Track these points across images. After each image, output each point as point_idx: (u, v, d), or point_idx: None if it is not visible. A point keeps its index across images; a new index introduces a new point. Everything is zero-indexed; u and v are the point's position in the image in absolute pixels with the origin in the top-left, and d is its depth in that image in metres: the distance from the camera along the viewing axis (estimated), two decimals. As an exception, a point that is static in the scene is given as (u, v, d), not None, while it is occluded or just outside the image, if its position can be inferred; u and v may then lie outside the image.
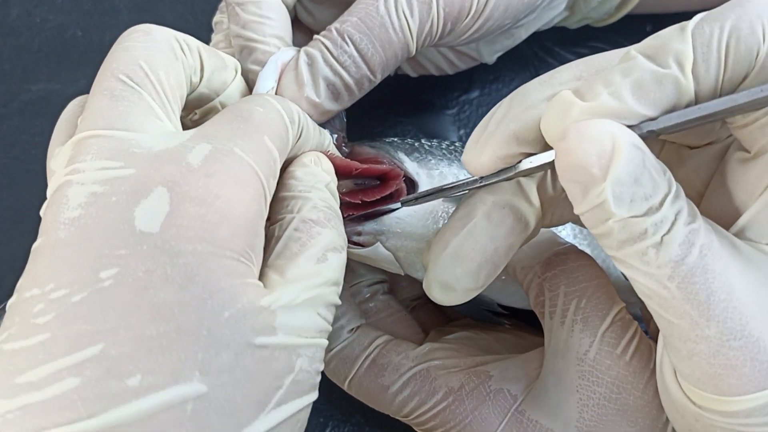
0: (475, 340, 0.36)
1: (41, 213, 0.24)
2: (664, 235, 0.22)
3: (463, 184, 0.28)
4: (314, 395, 0.25)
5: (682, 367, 0.24)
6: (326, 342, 0.25)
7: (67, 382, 0.20)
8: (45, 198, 0.51)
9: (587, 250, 0.33)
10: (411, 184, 0.35)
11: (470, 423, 0.31)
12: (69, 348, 0.20)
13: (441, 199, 0.34)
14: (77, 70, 0.51)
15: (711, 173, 0.28)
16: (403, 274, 0.35)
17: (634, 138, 0.22)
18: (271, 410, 0.22)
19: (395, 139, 0.37)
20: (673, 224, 0.22)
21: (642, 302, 0.25)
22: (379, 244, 0.34)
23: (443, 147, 0.38)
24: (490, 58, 0.44)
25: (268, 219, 0.27)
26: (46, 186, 0.50)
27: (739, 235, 0.24)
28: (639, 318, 0.31)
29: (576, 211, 0.24)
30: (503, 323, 0.38)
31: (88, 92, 0.52)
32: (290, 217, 0.27)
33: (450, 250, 0.28)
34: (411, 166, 0.35)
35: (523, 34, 0.42)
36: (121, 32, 0.28)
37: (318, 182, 0.28)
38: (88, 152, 0.24)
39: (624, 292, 0.32)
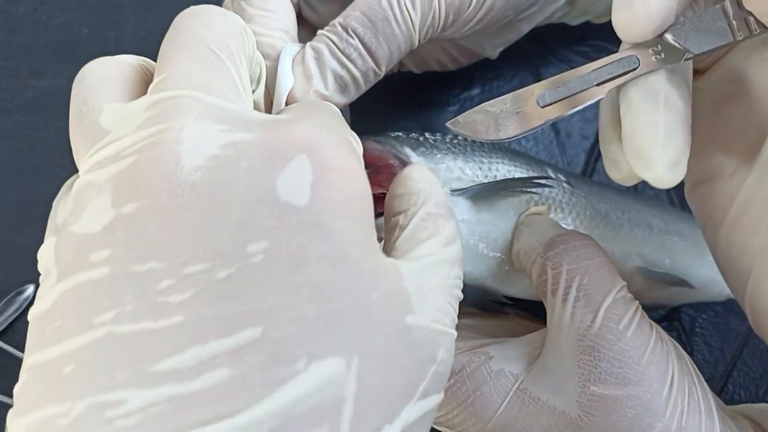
0: (476, 327, 0.36)
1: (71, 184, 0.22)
2: None
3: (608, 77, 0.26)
4: (443, 394, 0.23)
5: None
6: (456, 334, 0.24)
7: (224, 369, 0.18)
8: (50, 192, 0.51)
9: None
10: None
11: (472, 403, 0.31)
12: (221, 330, 0.18)
13: (448, 195, 0.35)
14: (82, 66, 0.52)
15: None
16: None
17: None
18: (417, 401, 0.21)
19: (400, 134, 0.38)
20: None
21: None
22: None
23: (447, 141, 0.38)
24: (493, 52, 0.44)
25: (383, 214, 0.27)
26: (51, 180, 0.50)
27: None
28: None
29: None
30: (507, 312, 0.39)
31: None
32: (414, 209, 0.26)
33: (661, 132, 0.25)
34: (417, 161, 0.36)
35: (525, 27, 0.42)
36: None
37: (435, 185, 0.28)
38: (188, 112, 0.21)
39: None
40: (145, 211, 0.20)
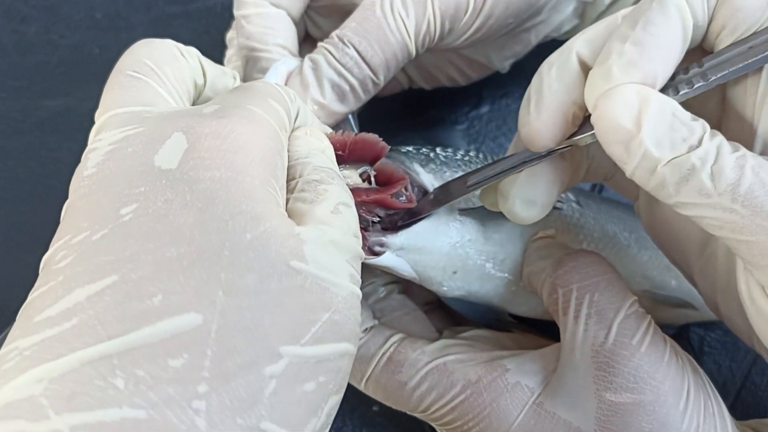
0: (490, 338, 0.36)
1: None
2: (713, 165, 0.24)
3: (522, 162, 0.30)
4: (354, 348, 0.24)
5: None
6: (360, 293, 0.24)
7: (86, 311, 0.20)
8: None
9: None
10: (425, 195, 0.35)
11: (488, 415, 0.31)
12: (88, 279, 0.21)
13: (456, 215, 0.35)
14: (94, 86, 0.51)
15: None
16: (418, 281, 0.36)
17: (660, 95, 0.25)
18: (307, 344, 0.22)
19: (410, 149, 0.37)
20: (717, 155, 0.24)
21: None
22: (388, 253, 0.34)
23: (458, 158, 0.38)
24: (502, 65, 0.44)
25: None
26: (63, 200, 0.50)
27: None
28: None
29: (627, 175, 0.25)
30: (512, 331, 0.39)
31: (104, 108, 0.52)
32: (294, 182, 0.27)
33: (527, 171, 0.30)
34: (426, 177, 0.35)
35: (532, 39, 0.42)
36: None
37: (313, 149, 0.29)
38: (105, 128, 0.26)
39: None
40: (65, 210, 0.24)
